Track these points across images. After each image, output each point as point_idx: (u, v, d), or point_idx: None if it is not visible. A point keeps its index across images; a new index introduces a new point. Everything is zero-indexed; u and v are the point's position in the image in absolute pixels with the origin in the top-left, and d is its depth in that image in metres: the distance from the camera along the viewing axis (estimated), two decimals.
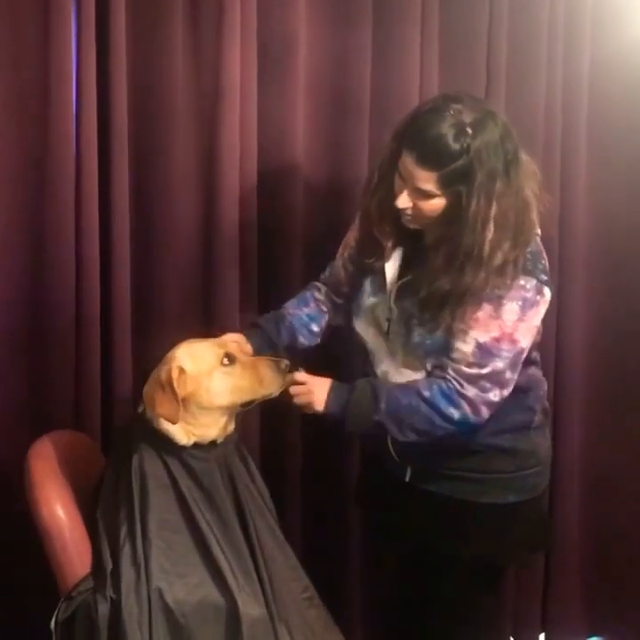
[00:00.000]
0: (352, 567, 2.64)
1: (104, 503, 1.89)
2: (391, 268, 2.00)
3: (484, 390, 1.88)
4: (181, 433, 1.88)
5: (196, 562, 1.82)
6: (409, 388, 1.92)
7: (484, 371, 1.86)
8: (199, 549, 1.83)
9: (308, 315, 2.16)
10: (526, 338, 1.89)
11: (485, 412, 1.89)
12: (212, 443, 1.92)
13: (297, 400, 1.94)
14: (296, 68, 2.37)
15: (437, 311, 1.88)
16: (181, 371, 1.85)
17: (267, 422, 2.47)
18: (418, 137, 1.82)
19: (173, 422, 1.85)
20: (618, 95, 2.71)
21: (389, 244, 1.99)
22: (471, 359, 1.87)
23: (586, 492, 2.90)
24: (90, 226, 2.20)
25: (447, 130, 1.78)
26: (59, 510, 1.85)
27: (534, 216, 1.90)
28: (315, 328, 2.17)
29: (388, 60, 2.47)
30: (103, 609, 1.77)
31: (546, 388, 2.13)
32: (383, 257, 2.00)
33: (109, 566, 1.80)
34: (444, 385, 1.88)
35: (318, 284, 2.21)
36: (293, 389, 1.93)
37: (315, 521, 2.57)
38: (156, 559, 1.79)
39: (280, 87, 2.37)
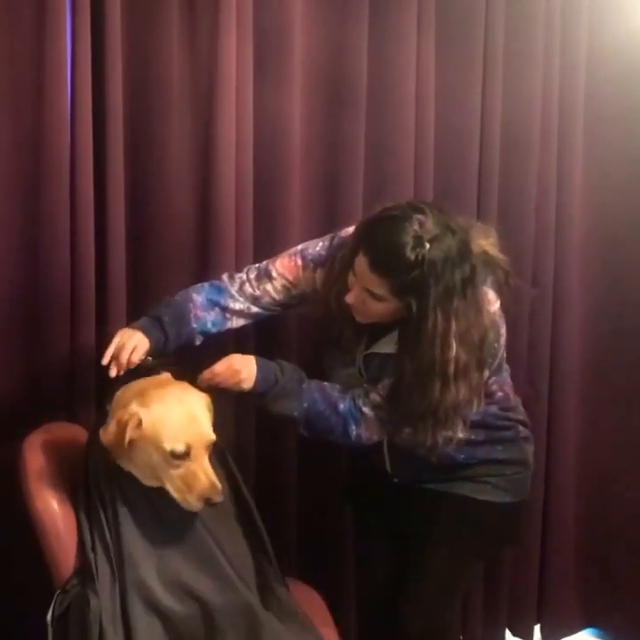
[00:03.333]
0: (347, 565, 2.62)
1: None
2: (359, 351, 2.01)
3: (381, 419, 1.95)
4: (126, 465, 1.81)
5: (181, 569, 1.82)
6: (329, 397, 1.95)
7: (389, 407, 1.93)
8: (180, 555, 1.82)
9: (212, 321, 2.03)
10: None
11: (375, 438, 1.98)
12: None
13: (224, 384, 1.91)
14: (292, 59, 2.35)
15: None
16: (140, 423, 1.75)
17: (264, 428, 2.45)
18: (375, 242, 1.81)
19: (112, 456, 1.79)
20: (615, 84, 2.71)
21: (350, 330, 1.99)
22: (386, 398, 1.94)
23: (582, 484, 2.91)
24: (85, 219, 2.18)
25: (406, 240, 1.76)
26: (53, 502, 1.84)
27: (502, 331, 1.93)
28: (213, 332, 2.04)
29: (385, 50, 2.45)
30: (95, 603, 1.76)
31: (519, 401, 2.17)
32: (344, 331, 2.00)
33: (94, 563, 1.79)
34: (354, 402, 1.94)
35: (235, 294, 2.06)
36: (216, 377, 1.90)
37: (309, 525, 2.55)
38: (146, 568, 1.78)
39: (276, 78, 2.35)
